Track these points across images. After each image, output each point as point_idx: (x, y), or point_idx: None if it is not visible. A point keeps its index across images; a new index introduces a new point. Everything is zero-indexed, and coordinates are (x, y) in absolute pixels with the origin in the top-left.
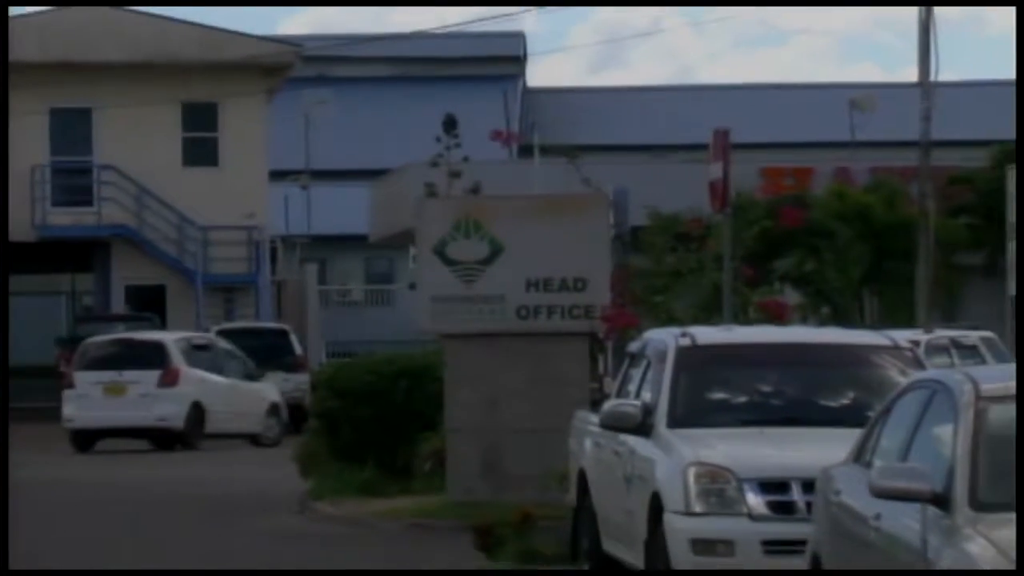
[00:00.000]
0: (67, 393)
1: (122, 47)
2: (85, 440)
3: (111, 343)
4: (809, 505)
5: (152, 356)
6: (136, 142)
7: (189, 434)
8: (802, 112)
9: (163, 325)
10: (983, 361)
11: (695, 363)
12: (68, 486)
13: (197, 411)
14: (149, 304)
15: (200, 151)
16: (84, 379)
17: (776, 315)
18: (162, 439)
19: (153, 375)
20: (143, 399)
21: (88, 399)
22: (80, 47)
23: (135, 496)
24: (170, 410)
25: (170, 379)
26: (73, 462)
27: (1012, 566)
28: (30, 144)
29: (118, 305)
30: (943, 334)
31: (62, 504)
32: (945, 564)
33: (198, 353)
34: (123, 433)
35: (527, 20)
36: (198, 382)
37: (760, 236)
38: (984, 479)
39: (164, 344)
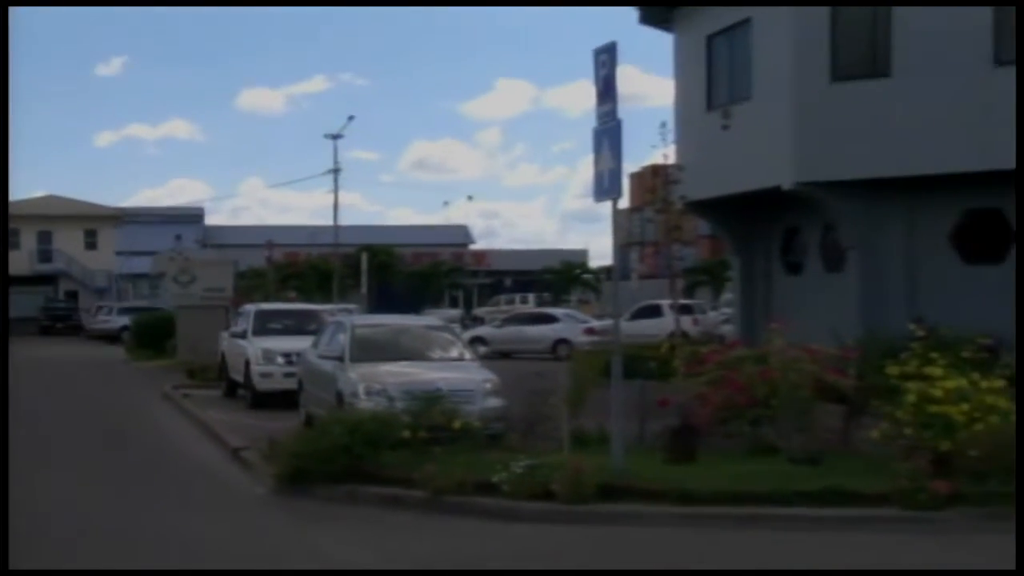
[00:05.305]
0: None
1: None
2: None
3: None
4: (299, 360)
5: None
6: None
7: None
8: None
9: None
10: (354, 314)
11: (263, 316)
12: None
13: None
14: (73, 297)
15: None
16: None
17: (291, 300)
18: None
19: None
20: None
21: None
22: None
23: (50, 361)
24: None
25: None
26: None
27: (361, 380)
28: (31, 243)
29: (63, 298)
30: (342, 306)
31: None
32: (341, 381)
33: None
34: None
35: (207, 204)
36: None
37: (283, 277)
38: (354, 351)
39: None
